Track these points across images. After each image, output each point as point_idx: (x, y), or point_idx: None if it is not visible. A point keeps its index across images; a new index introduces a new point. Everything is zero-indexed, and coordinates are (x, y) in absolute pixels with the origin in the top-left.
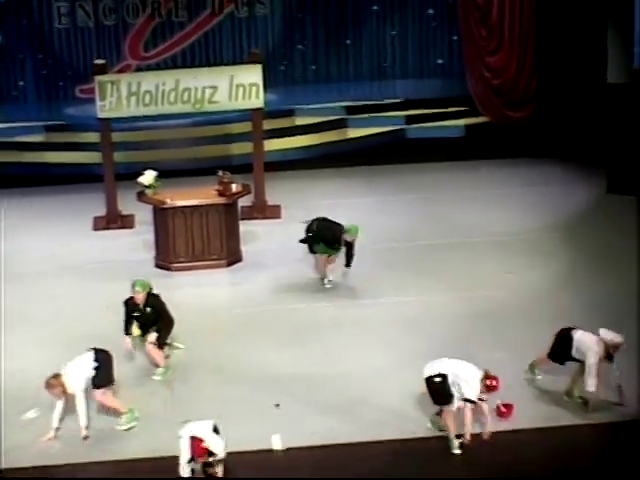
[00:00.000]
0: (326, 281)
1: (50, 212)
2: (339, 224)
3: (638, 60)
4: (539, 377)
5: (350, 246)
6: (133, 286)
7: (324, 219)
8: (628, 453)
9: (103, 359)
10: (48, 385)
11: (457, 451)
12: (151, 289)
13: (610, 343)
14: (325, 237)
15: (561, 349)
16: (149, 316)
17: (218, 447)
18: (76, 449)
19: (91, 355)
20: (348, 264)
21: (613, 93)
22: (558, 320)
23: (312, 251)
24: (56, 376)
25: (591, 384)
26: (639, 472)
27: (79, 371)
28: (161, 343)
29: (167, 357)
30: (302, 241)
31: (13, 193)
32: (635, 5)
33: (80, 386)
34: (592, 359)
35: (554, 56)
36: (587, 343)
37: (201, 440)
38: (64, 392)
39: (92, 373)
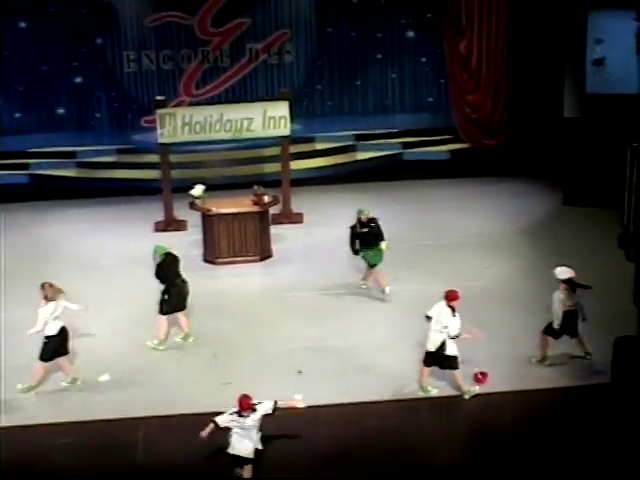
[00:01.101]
0: (362, 283)
1: (120, 217)
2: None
3: (589, 88)
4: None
5: (378, 228)
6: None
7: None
8: (585, 413)
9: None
10: (45, 287)
11: (435, 391)
12: (166, 254)
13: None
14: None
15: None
16: (156, 274)
17: (265, 407)
18: (131, 403)
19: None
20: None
21: (568, 125)
22: (523, 304)
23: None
24: (58, 290)
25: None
26: (597, 430)
27: (49, 324)
28: (163, 311)
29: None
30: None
31: (91, 202)
32: (586, 56)
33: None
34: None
35: (521, 96)
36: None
37: (249, 397)
38: (47, 299)
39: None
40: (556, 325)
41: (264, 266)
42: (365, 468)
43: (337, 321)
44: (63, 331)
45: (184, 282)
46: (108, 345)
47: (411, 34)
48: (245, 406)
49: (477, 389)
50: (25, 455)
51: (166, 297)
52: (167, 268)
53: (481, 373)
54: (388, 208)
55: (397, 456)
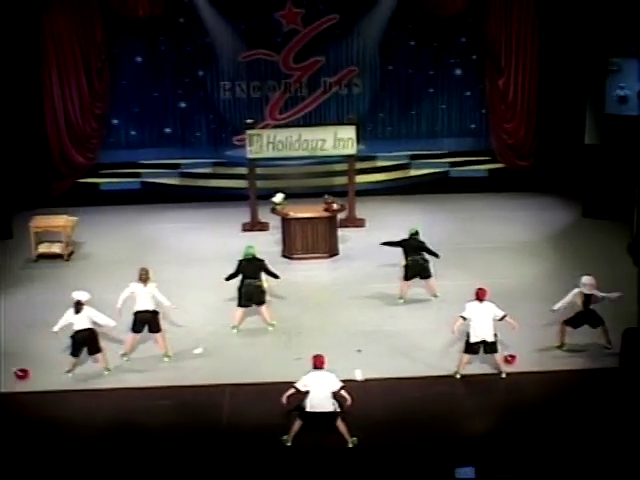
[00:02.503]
0: (400, 299)
1: (214, 219)
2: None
3: (607, 109)
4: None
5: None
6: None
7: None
8: (597, 391)
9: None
10: (142, 270)
11: (458, 376)
12: (246, 255)
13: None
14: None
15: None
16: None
17: (335, 383)
18: (219, 372)
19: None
20: (437, 256)
21: (588, 150)
22: (547, 299)
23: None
24: (146, 274)
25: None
26: (607, 405)
27: (145, 299)
28: (237, 302)
29: None
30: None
31: (190, 206)
32: (605, 90)
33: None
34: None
35: (549, 125)
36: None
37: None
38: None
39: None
40: (559, 304)
41: (332, 262)
42: (410, 432)
43: (391, 309)
44: (149, 312)
45: (252, 285)
46: (201, 324)
47: (458, 72)
48: (319, 363)
49: (507, 369)
50: (129, 413)
51: (238, 292)
52: (241, 267)
53: (510, 356)
54: (435, 216)
55: (437, 423)
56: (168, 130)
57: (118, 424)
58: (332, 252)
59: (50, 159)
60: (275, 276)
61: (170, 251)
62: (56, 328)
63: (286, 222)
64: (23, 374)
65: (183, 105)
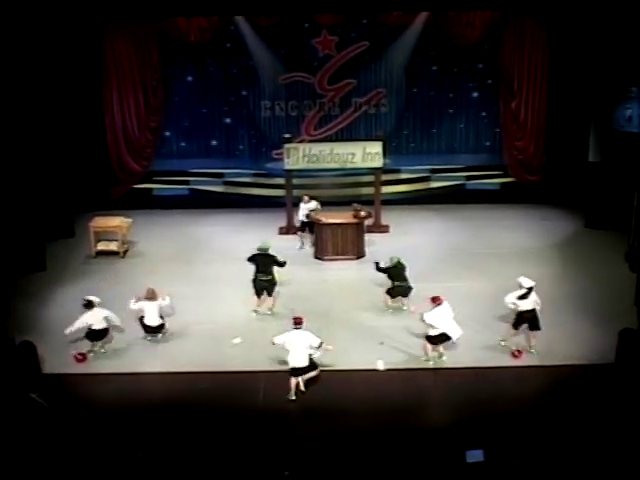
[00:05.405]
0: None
1: (254, 223)
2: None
3: (614, 125)
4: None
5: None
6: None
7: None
8: (596, 383)
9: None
10: (148, 291)
11: (431, 363)
12: (262, 249)
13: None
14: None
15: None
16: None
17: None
18: (255, 360)
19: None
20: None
21: (591, 168)
22: (552, 300)
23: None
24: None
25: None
26: (604, 395)
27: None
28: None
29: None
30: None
31: (233, 211)
32: (613, 115)
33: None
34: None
35: (556, 143)
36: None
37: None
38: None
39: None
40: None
41: (359, 263)
42: (424, 416)
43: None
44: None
45: (260, 279)
46: (240, 316)
47: (475, 95)
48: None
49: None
50: (173, 393)
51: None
52: (255, 260)
53: (518, 351)
54: (452, 224)
55: (448, 409)
56: (214, 143)
57: (162, 403)
58: (359, 254)
59: (109, 167)
60: (281, 264)
61: (214, 251)
62: (67, 331)
63: (318, 227)
64: (82, 357)
65: (228, 121)
